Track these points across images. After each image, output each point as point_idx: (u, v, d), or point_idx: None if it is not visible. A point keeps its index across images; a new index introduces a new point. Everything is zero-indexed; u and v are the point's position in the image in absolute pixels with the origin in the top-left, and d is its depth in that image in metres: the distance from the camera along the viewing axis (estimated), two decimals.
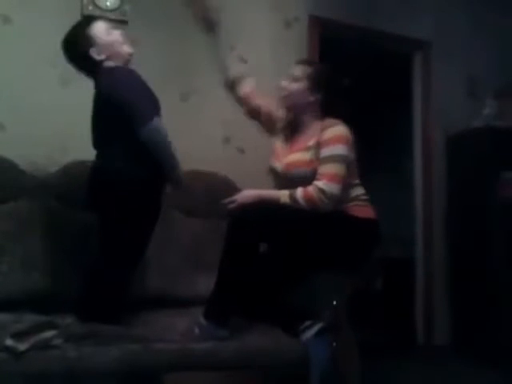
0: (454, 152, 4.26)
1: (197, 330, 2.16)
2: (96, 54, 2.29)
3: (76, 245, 2.53)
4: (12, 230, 2.48)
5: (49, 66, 2.91)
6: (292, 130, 2.54)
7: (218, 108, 3.26)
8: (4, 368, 1.84)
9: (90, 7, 3.04)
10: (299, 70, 2.49)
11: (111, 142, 2.26)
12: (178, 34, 3.30)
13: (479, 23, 4.37)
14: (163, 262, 2.69)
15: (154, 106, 2.19)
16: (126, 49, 2.37)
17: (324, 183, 2.26)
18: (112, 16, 3.06)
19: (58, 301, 2.34)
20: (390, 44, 4.18)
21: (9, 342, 1.86)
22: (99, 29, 2.32)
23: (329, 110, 2.47)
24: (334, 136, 2.34)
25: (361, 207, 2.41)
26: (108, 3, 3.09)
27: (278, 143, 2.57)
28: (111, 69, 2.28)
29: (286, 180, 2.44)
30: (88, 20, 2.44)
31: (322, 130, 2.36)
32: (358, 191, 2.43)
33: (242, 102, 2.71)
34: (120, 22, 3.05)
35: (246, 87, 2.68)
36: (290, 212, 2.27)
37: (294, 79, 2.48)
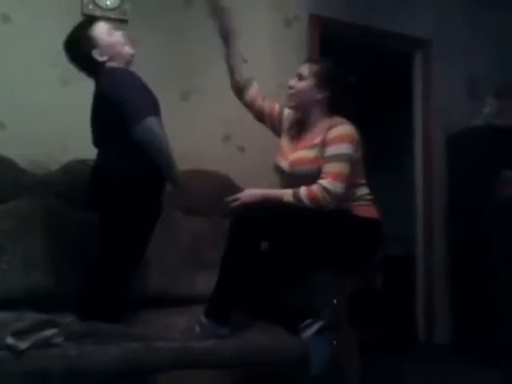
0: (454, 151, 4.26)
1: (197, 329, 2.17)
2: (98, 56, 2.30)
3: (76, 244, 2.53)
4: (12, 228, 2.48)
5: (49, 65, 2.91)
6: (299, 128, 2.55)
7: (218, 106, 3.27)
8: (5, 366, 1.84)
9: (90, 6, 3.04)
10: (306, 69, 2.49)
11: (110, 141, 2.27)
12: (178, 33, 3.30)
13: (479, 22, 4.37)
14: (163, 260, 2.69)
15: (149, 106, 2.17)
16: (128, 50, 2.38)
17: (328, 182, 2.26)
18: (112, 15, 3.06)
19: (58, 299, 2.34)
20: (390, 43, 4.18)
21: (9, 340, 1.86)
22: (101, 30, 2.33)
23: (336, 107, 2.48)
24: (339, 135, 2.34)
25: (364, 207, 2.41)
26: (108, 2, 3.09)
27: (284, 141, 2.58)
28: (112, 69, 2.29)
29: (290, 178, 2.45)
30: (90, 20, 2.45)
31: (328, 128, 2.37)
32: (363, 191, 2.44)
33: (249, 105, 2.70)
34: (120, 21, 3.06)
35: (253, 90, 2.68)
36: (292, 211, 2.27)
37: (301, 77, 2.48)
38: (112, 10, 3.09)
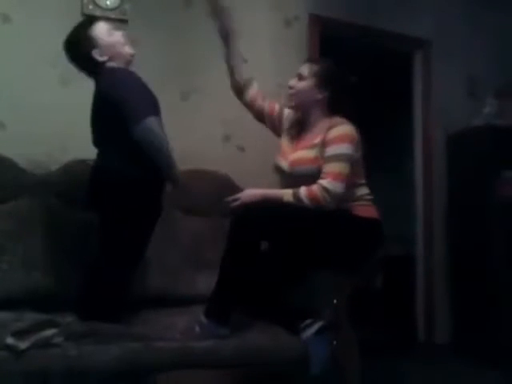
0: (454, 151, 4.26)
1: (197, 329, 2.17)
2: (98, 56, 2.30)
3: (76, 244, 2.53)
4: (12, 228, 2.48)
5: (49, 65, 2.91)
6: (299, 128, 2.55)
7: (218, 106, 3.27)
8: (5, 366, 1.84)
9: (90, 6, 3.04)
10: (306, 69, 2.49)
11: (110, 141, 2.27)
12: (178, 33, 3.30)
13: (479, 22, 4.37)
14: (164, 260, 2.69)
15: (149, 106, 2.17)
16: (128, 50, 2.38)
17: (328, 182, 2.26)
18: (112, 15, 3.06)
19: (58, 299, 2.34)
20: (390, 43, 4.18)
21: (9, 340, 1.86)
22: (101, 30, 2.33)
23: (336, 107, 2.48)
24: (339, 135, 2.34)
25: (364, 207, 2.41)
26: (108, 2, 3.09)
27: (284, 141, 2.57)
28: (112, 69, 2.29)
29: (290, 178, 2.45)
30: (90, 20, 2.45)
31: (329, 128, 2.37)
32: (363, 191, 2.44)
33: (249, 105, 2.70)
34: (120, 21, 3.06)
35: (253, 90, 2.67)
36: (292, 211, 2.27)
37: (301, 77, 2.48)
38: (112, 9, 3.09)
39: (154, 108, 2.20)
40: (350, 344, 2.42)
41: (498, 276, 3.84)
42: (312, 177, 2.31)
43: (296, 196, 2.28)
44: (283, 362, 2.20)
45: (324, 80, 2.46)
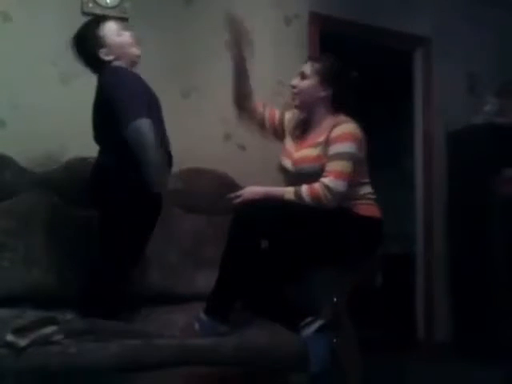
0: (454, 149, 4.26)
1: (197, 326, 2.17)
2: (104, 55, 2.31)
3: (77, 241, 2.53)
4: (13, 226, 2.48)
5: (49, 63, 2.91)
6: (303, 128, 2.55)
7: (219, 105, 3.26)
8: (5, 363, 1.84)
9: (90, 4, 3.04)
10: (308, 67, 2.49)
11: (108, 138, 2.27)
12: (179, 31, 3.30)
13: (479, 20, 4.37)
14: (163, 258, 2.69)
15: (142, 108, 2.15)
16: (135, 51, 2.39)
17: (330, 180, 2.27)
18: (112, 13, 3.05)
19: (58, 297, 2.35)
20: (390, 41, 4.17)
21: (10, 337, 1.87)
22: (110, 29, 2.34)
23: (340, 104, 2.47)
24: (342, 133, 2.34)
25: (366, 205, 2.41)
26: (108, 0, 3.08)
27: (289, 142, 2.57)
28: (115, 69, 2.30)
29: (294, 176, 2.45)
30: (99, 19, 2.45)
31: (332, 127, 2.37)
32: (366, 190, 2.44)
33: (251, 116, 2.68)
34: (120, 20, 3.04)
35: (253, 102, 2.66)
36: (292, 209, 2.28)
37: (303, 76, 2.48)
38: (112, 8, 3.08)
39: (147, 109, 2.17)
40: (350, 342, 2.42)
41: (498, 274, 3.84)
42: (315, 175, 2.31)
43: (297, 194, 2.28)
44: (283, 360, 2.20)
45: (327, 77, 2.46)
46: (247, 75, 2.59)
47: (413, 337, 4.18)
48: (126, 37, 2.38)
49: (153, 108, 2.27)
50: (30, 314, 2.07)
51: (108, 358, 1.95)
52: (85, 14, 2.98)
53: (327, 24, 3.79)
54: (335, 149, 2.32)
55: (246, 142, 3.41)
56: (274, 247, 2.37)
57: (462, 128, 4.17)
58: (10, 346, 1.86)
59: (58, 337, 1.94)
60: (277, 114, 2.66)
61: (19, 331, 1.89)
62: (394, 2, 4.07)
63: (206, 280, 2.42)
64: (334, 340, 2.31)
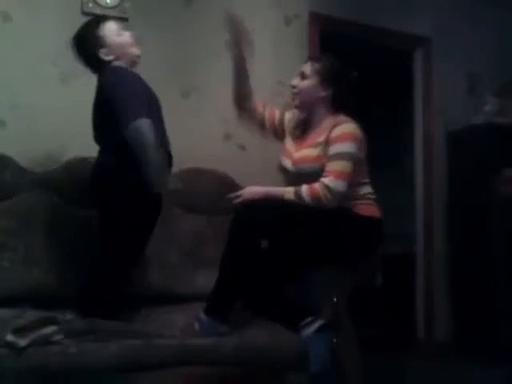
0: (454, 149, 4.26)
1: (197, 326, 2.17)
2: (104, 55, 2.31)
3: (77, 241, 2.53)
4: (13, 226, 2.48)
5: (49, 63, 2.91)
6: (303, 128, 2.55)
7: (219, 105, 3.26)
8: (5, 363, 1.84)
9: (90, 4, 3.04)
10: (308, 67, 2.49)
11: (108, 138, 2.28)
12: (179, 31, 3.30)
13: (479, 20, 4.37)
14: (163, 258, 2.69)
15: (142, 108, 2.15)
16: (135, 51, 2.39)
17: (330, 180, 2.27)
18: (112, 13, 3.04)
19: (58, 297, 2.35)
20: (390, 41, 4.17)
21: (10, 337, 1.87)
22: (110, 29, 2.34)
23: (340, 104, 2.47)
24: (342, 134, 2.34)
25: (366, 205, 2.41)
26: (108, 0, 3.08)
27: (289, 142, 2.57)
28: (115, 68, 2.30)
29: (294, 176, 2.45)
30: (99, 19, 2.46)
31: (333, 127, 2.37)
32: (366, 190, 2.44)
33: (251, 116, 2.68)
34: (120, 20, 3.04)
35: (253, 102, 2.66)
36: (292, 209, 2.28)
37: (303, 76, 2.48)
38: (112, 8, 3.08)
39: (147, 109, 2.17)
40: (350, 342, 2.42)
41: (498, 274, 3.84)
42: (315, 175, 2.31)
43: (297, 194, 2.28)
44: (283, 360, 2.20)
45: (327, 77, 2.46)
46: (247, 75, 2.59)
47: (413, 337, 4.18)
48: (126, 37, 2.38)
49: (153, 108, 2.27)
50: (30, 314, 2.07)
51: (108, 358, 1.95)
52: (85, 13, 2.98)
53: (327, 24, 3.79)
54: (335, 149, 2.32)
55: (246, 141, 3.41)
56: (274, 247, 2.36)
57: (462, 128, 4.17)
58: (9, 346, 1.86)
59: (58, 337, 1.94)
60: (277, 114, 2.66)
61: (19, 331, 1.89)
62: (394, 2, 4.07)
63: (205, 280, 2.42)
64: (334, 340, 2.30)
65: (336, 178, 2.27)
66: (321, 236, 2.30)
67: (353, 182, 2.34)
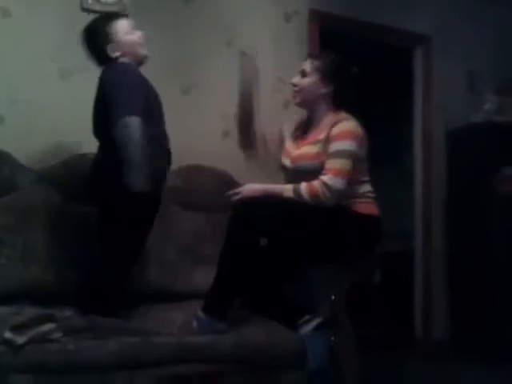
0: (454, 147, 4.25)
1: (195, 324, 2.17)
2: (111, 51, 2.31)
3: (75, 238, 2.53)
4: (11, 222, 2.48)
5: (48, 59, 2.90)
6: (304, 129, 2.55)
7: (218, 102, 3.26)
8: (3, 361, 1.84)
9: (90, 0, 3.01)
10: (308, 65, 2.49)
11: (106, 134, 2.26)
12: (179, 28, 3.29)
13: (479, 17, 4.35)
14: (162, 256, 2.69)
15: (135, 106, 2.14)
16: (143, 51, 2.39)
17: (329, 178, 2.27)
18: (112, 9, 3.03)
19: (57, 293, 2.35)
20: (390, 38, 4.16)
21: (8, 334, 1.87)
22: (122, 26, 2.35)
23: (341, 100, 2.47)
24: (342, 131, 2.34)
25: (365, 204, 2.41)
26: None
27: (289, 143, 2.57)
28: (117, 64, 2.30)
29: (293, 174, 2.45)
30: (111, 15, 2.47)
31: (333, 124, 2.37)
32: (365, 188, 2.44)
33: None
34: (120, 16, 3.04)
35: None
36: (291, 206, 2.28)
37: (304, 74, 2.48)
38: (111, 4, 3.06)
39: (143, 108, 2.17)
40: (348, 340, 2.42)
41: (497, 272, 3.85)
42: (314, 172, 2.31)
43: (296, 191, 2.28)
44: (281, 358, 2.21)
45: (327, 74, 2.46)
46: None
47: (411, 335, 4.18)
48: (136, 36, 2.38)
49: (153, 105, 2.27)
50: (28, 311, 2.07)
51: (106, 356, 1.95)
52: (84, 9, 2.97)
53: (327, 21, 3.77)
54: (335, 146, 2.32)
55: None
56: (273, 245, 2.36)
57: (462, 126, 4.17)
58: (7, 343, 1.86)
59: (57, 334, 1.94)
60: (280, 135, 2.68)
61: (17, 328, 1.89)
62: (394, 0, 4.06)
63: (204, 277, 2.42)
64: (332, 338, 2.31)
65: (335, 176, 2.27)
66: (319, 234, 2.30)
67: (352, 180, 2.33)
